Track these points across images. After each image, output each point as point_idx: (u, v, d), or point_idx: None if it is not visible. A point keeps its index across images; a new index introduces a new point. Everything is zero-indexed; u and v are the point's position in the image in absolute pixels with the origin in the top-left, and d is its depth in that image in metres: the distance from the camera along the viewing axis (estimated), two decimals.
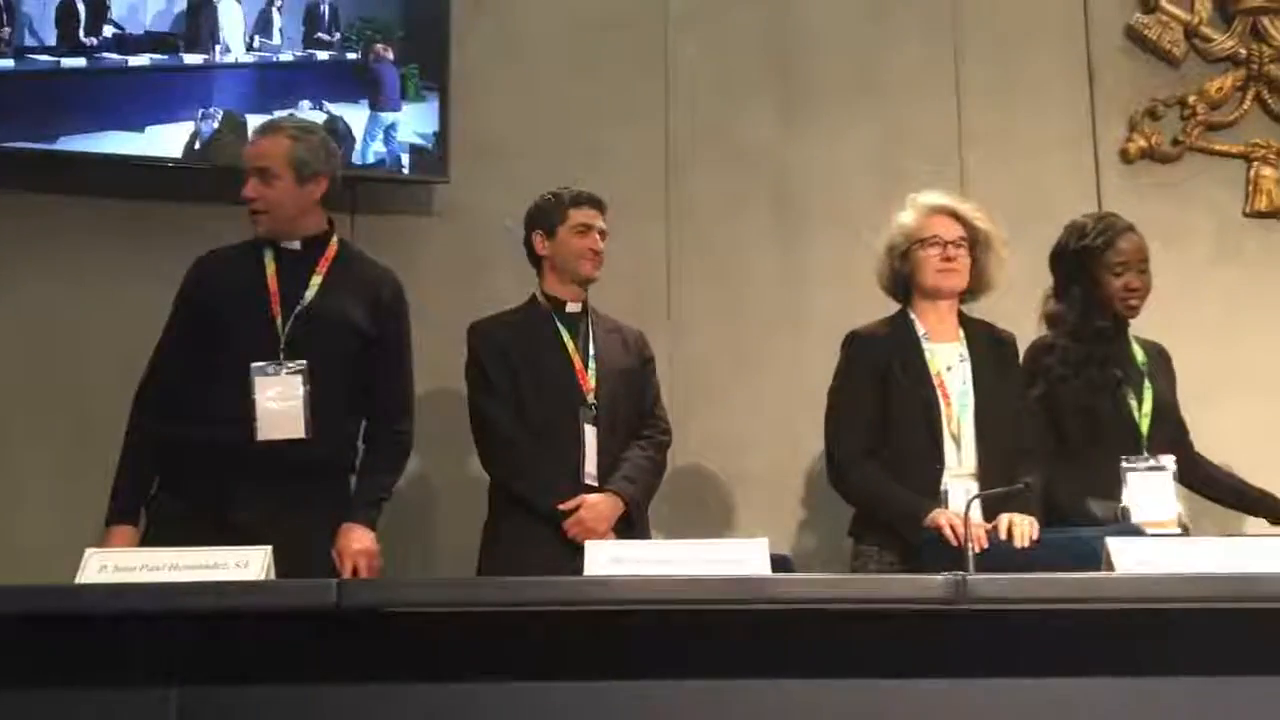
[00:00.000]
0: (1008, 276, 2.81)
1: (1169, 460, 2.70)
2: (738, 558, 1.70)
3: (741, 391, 3.72)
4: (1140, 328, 3.79)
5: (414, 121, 3.59)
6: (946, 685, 1.70)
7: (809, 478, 3.61)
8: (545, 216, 2.91)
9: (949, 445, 2.55)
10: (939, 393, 2.58)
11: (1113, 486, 2.66)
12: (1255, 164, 3.84)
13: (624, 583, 1.61)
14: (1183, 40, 3.91)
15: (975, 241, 2.69)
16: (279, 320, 2.49)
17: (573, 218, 2.88)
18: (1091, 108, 3.93)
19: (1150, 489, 2.68)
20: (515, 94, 3.82)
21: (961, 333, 2.70)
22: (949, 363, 2.64)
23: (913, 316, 2.70)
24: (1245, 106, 3.89)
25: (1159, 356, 2.91)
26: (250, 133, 2.94)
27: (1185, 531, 2.69)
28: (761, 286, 3.83)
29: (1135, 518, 2.62)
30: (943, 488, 2.50)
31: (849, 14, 3.98)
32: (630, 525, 2.75)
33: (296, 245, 2.59)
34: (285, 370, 2.46)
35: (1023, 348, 2.88)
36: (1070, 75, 3.95)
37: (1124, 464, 2.67)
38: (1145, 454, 2.69)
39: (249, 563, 1.66)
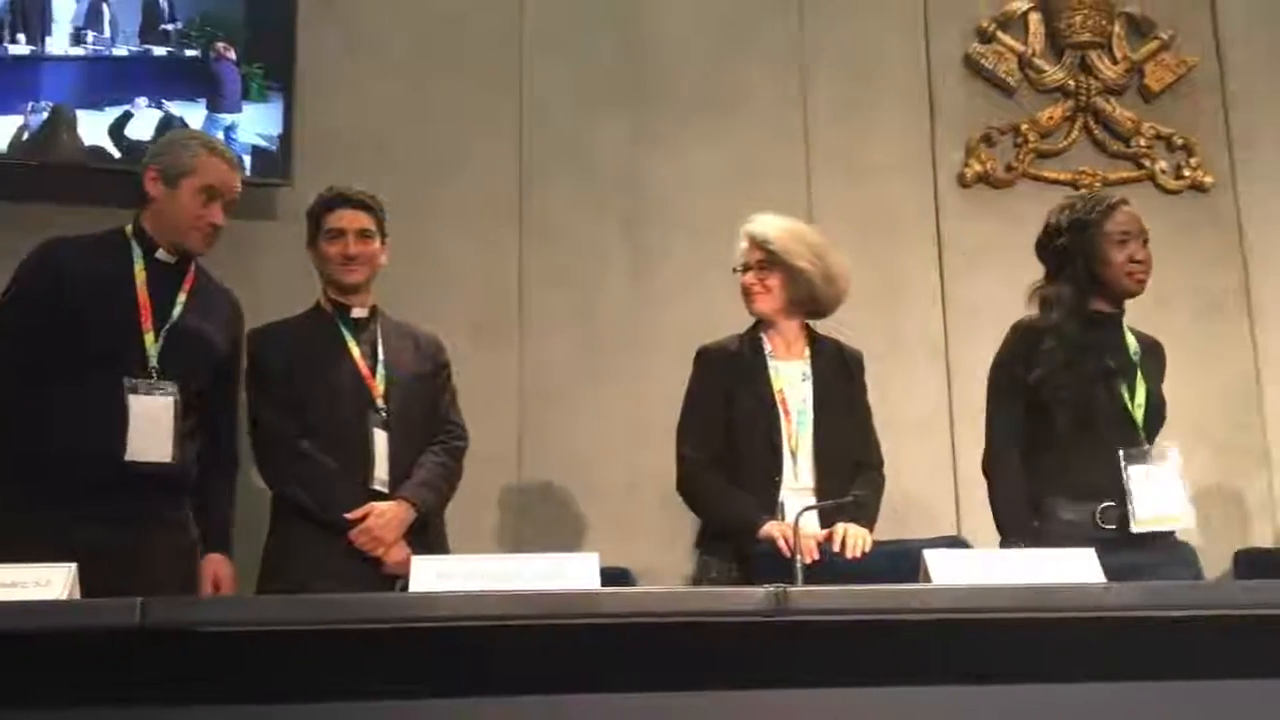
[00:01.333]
0: (846, 289, 2.86)
1: (1174, 450, 2.58)
2: (567, 572, 1.69)
3: (592, 402, 3.73)
4: (975, 345, 3.97)
5: (256, 123, 3.50)
6: (771, 696, 1.73)
7: (659, 489, 3.63)
8: (311, 222, 2.81)
9: (787, 460, 2.60)
10: (780, 409, 2.63)
11: (1101, 481, 2.55)
12: (1082, 191, 4.01)
13: (448, 599, 1.58)
14: (1017, 71, 4.09)
15: (783, 263, 2.73)
16: (149, 335, 2.41)
17: (326, 223, 2.76)
18: (932, 133, 4.07)
19: (1154, 481, 2.54)
20: (365, 98, 3.76)
21: (808, 351, 2.75)
22: (792, 380, 2.69)
23: (761, 335, 2.76)
24: (1073, 136, 4.08)
25: (1152, 349, 2.77)
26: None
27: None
28: (613, 299, 3.86)
29: (1139, 514, 2.49)
30: (780, 500, 2.54)
31: (702, 38, 4.05)
32: (424, 534, 2.69)
33: (172, 258, 2.51)
34: (158, 391, 2.39)
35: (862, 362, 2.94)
36: (912, 101, 4.09)
37: (1122, 456, 2.54)
38: (1145, 444, 2.57)
39: (51, 581, 1.57)
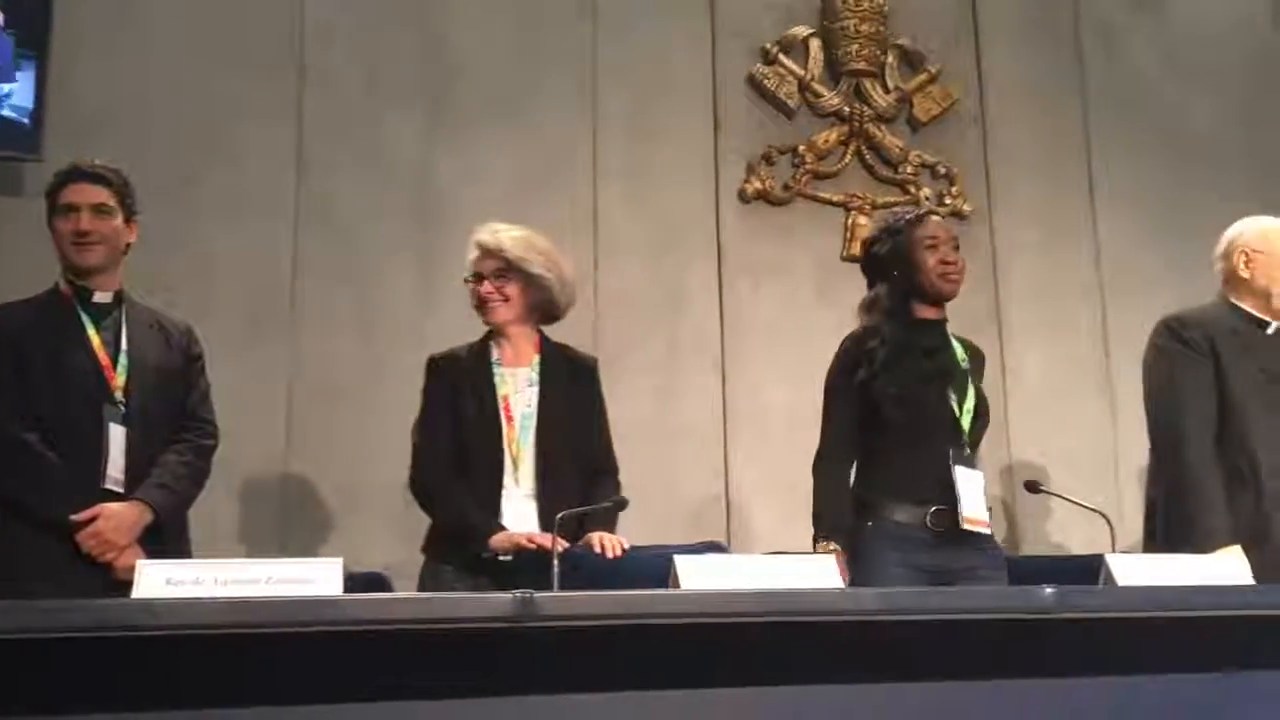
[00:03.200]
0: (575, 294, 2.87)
1: (981, 460, 2.70)
2: (307, 577, 1.63)
3: (366, 401, 3.64)
4: (750, 356, 4.09)
5: (18, 94, 3.25)
6: (518, 703, 1.72)
7: None
8: (47, 199, 2.63)
9: (508, 466, 2.61)
10: (502, 415, 2.63)
11: (931, 483, 2.60)
12: (853, 213, 4.20)
13: (172, 606, 1.50)
14: (797, 94, 4.24)
15: (521, 270, 2.73)
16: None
17: (60, 198, 2.59)
18: (716, 148, 4.17)
19: (973, 487, 2.63)
20: (133, 74, 3.58)
21: (537, 357, 2.75)
22: (518, 386, 2.70)
23: (490, 342, 2.76)
24: (847, 160, 4.26)
25: (976, 358, 2.85)
26: None
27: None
28: (394, 297, 3.78)
29: (966, 513, 2.57)
30: (504, 506, 2.56)
31: (496, 37, 4.03)
32: (161, 537, 2.53)
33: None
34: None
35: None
36: (698, 116, 4.18)
37: (951, 458, 2.60)
38: (968, 451, 2.64)
39: None
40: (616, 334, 4.02)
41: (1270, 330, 2.92)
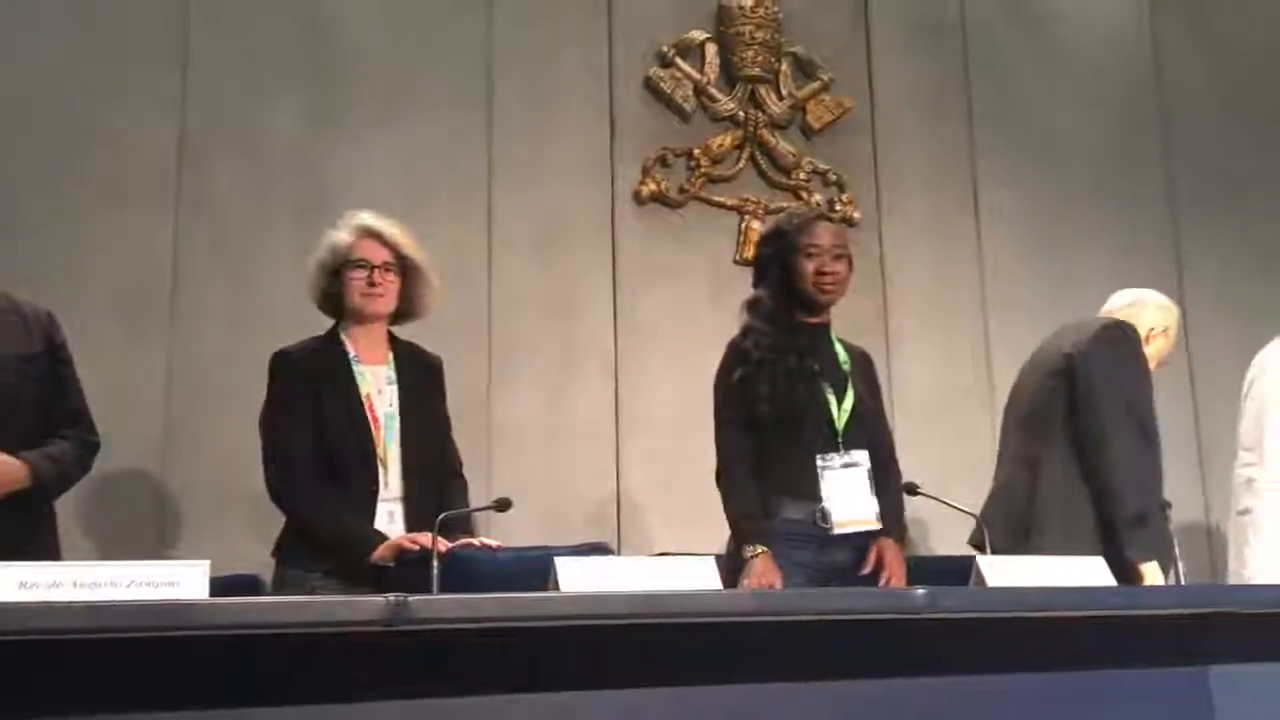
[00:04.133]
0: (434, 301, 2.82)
1: (863, 456, 2.67)
2: (172, 580, 1.58)
3: (247, 399, 3.52)
4: (643, 358, 4.10)
5: None
6: (391, 708, 1.69)
7: None
8: None
9: (379, 468, 2.54)
10: (369, 415, 2.56)
11: (809, 484, 2.63)
12: (746, 217, 4.24)
13: (26, 611, 1.44)
14: (693, 97, 4.27)
15: (406, 267, 2.69)
16: None
17: None
18: (611, 148, 4.17)
19: (847, 487, 2.64)
20: (7, 55, 3.43)
21: (391, 355, 2.69)
22: (379, 385, 2.63)
23: (343, 337, 2.66)
24: (741, 165, 4.30)
25: (862, 361, 2.87)
26: None
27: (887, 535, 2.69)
28: (279, 292, 3.67)
29: (835, 516, 2.60)
30: (377, 509, 2.50)
31: (387, 26, 3.96)
32: (31, 531, 2.43)
33: None
34: None
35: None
36: (594, 115, 4.17)
37: (819, 461, 2.62)
38: (839, 451, 2.65)
39: None
40: (509, 333, 3.99)
41: None
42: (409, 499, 2.53)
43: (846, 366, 2.77)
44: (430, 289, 2.72)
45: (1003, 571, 2.03)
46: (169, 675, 1.58)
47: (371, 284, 2.62)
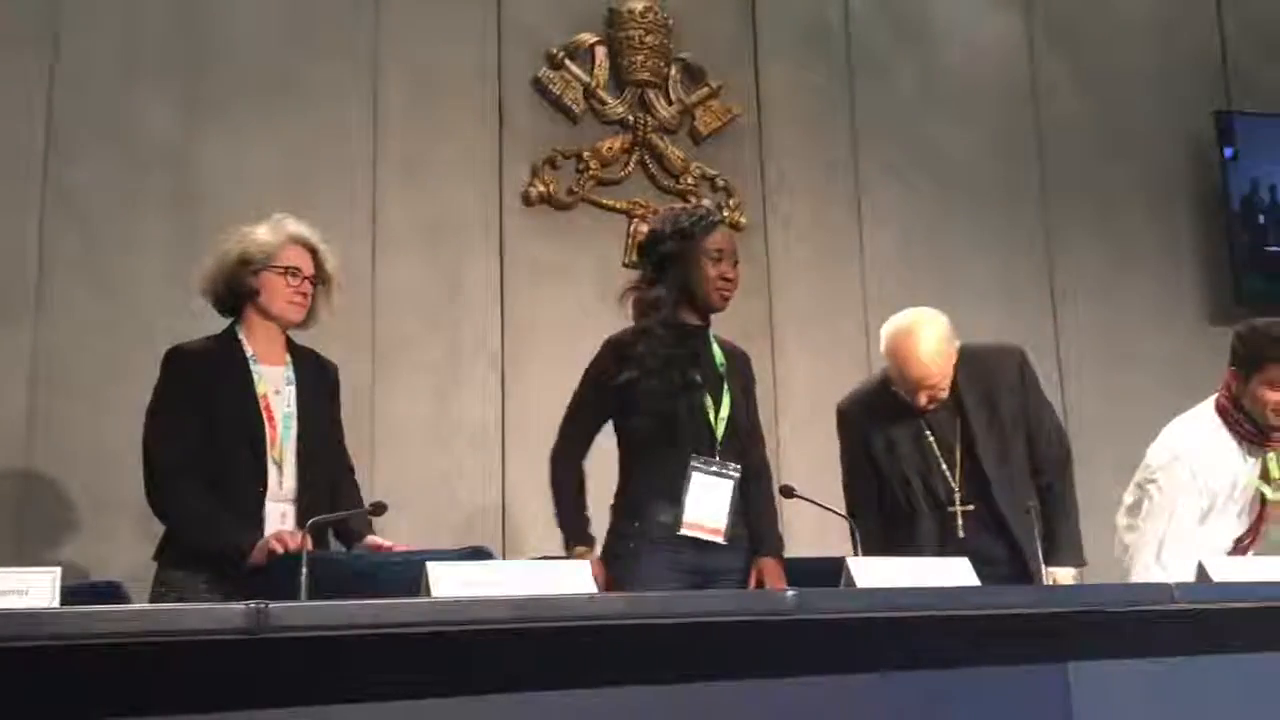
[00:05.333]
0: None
1: (735, 470, 2.67)
2: (19, 588, 1.52)
3: (115, 398, 3.41)
4: (529, 359, 4.08)
5: None
6: (260, 718, 1.65)
7: None
8: None
9: (271, 469, 2.51)
10: (264, 415, 2.53)
11: (682, 488, 2.63)
12: (635, 220, 4.25)
13: None
14: (582, 99, 4.26)
15: (321, 280, 2.67)
16: None
17: None
18: (500, 149, 4.15)
19: (709, 494, 2.64)
20: None
21: (289, 357, 2.66)
22: (276, 386, 2.59)
23: (241, 336, 2.62)
24: (630, 168, 4.31)
25: (738, 359, 2.84)
26: None
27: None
28: (150, 289, 3.58)
29: (685, 517, 2.60)
30: (266, 511, 2.46)
31: (267, 17, 3.87)
32: None
33: None
34: None
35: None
36: (483, 115, 4.14)
37: (692, 463, 2.62)
38: (716, 458, 2.65)
39: None
40: (393, 332, 3.94)
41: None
42: (301, 499, 2.50)
43: (723, 369, 2.76)
44: (329, 305, 2.70)
45: (872, 572, 2.07)
46: (14, 688, 1.52)
47: (301, 294, 2.59)
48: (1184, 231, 4.99)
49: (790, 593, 1.91)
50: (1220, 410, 3.04)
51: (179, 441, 2.46)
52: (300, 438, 2.55)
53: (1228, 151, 4.92)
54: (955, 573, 2.16)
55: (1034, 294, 4.76)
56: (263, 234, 2.63)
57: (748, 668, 1.94)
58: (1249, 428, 2.99)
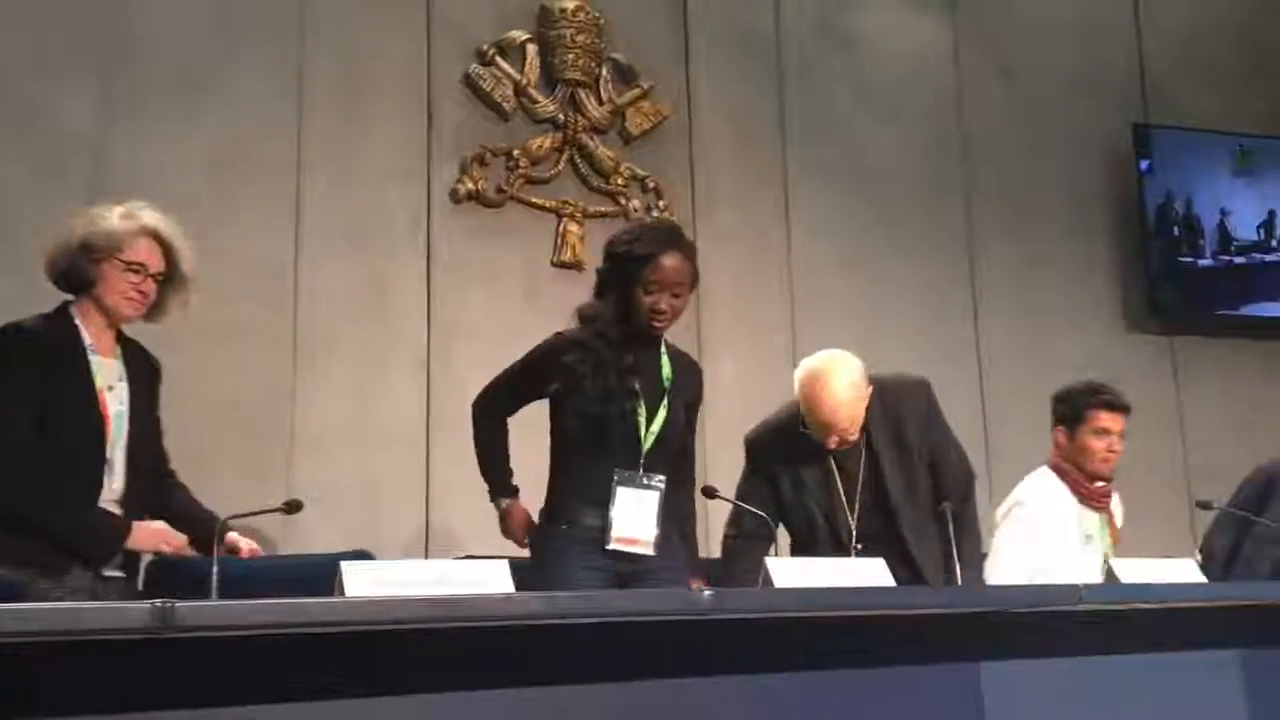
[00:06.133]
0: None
1: (661, 481, 2.65)
2: None
3: None
4: (456, 357, 4.05)
5: None
6: (167, 717, 1.62)
7: None
8: None
9: (106, 467, 2.39)
10: (103, 411, 2.40)
11: (606, 492, 2.62)
12: (564, 220, 4.25)
13: None
14: (513, 97, 4.24)
15: (173, 276, 2.51)
16: None
17: None
18: (428, 145, 4.11)
19: (635, 507, 2.63)
20: None
21: (119, 349, 2.51)
22: (110, 380, 2.46)
23: (76, 321, 2.44)
24: (560, 167, 4.30)
25: (689, 374, 2.82)
26: None
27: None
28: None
29: (614, 531, 2.59)
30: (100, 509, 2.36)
31: (192, 13, 3.81)
32: None
33: None
34: None
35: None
36: (411, 111, 4.11)
37: (616, 476, 2.61)
38: (640, 470, 2.64)
39: None
40: (316, 328, 3.89)
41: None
42: (130, 501, 2.39)
43: (669, 382, 2.74)
44: (185, 305, 2.54)
45: (789, 573, 2.09)
46: None
47: (140, 291, 2.44)
48: (1101, 239, 5.11)
49: (707, 592, 1.92)
50: (1056, 470, 3.30)
51: (20, 435, 2.30)
52: (131, 437, 2.42)
53: (1144, 164, 5.05)
54: (870, 574, 2.18)
55: (957, 296, 4.84)
56: (113, 221, 2.44)
57: (665, 667, 1.95)
58: (1082, 482, 3.26)
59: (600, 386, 2.63)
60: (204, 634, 1.56)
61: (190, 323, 2.69)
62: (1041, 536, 3.17)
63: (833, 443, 2.86)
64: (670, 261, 2.66)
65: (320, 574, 1.83)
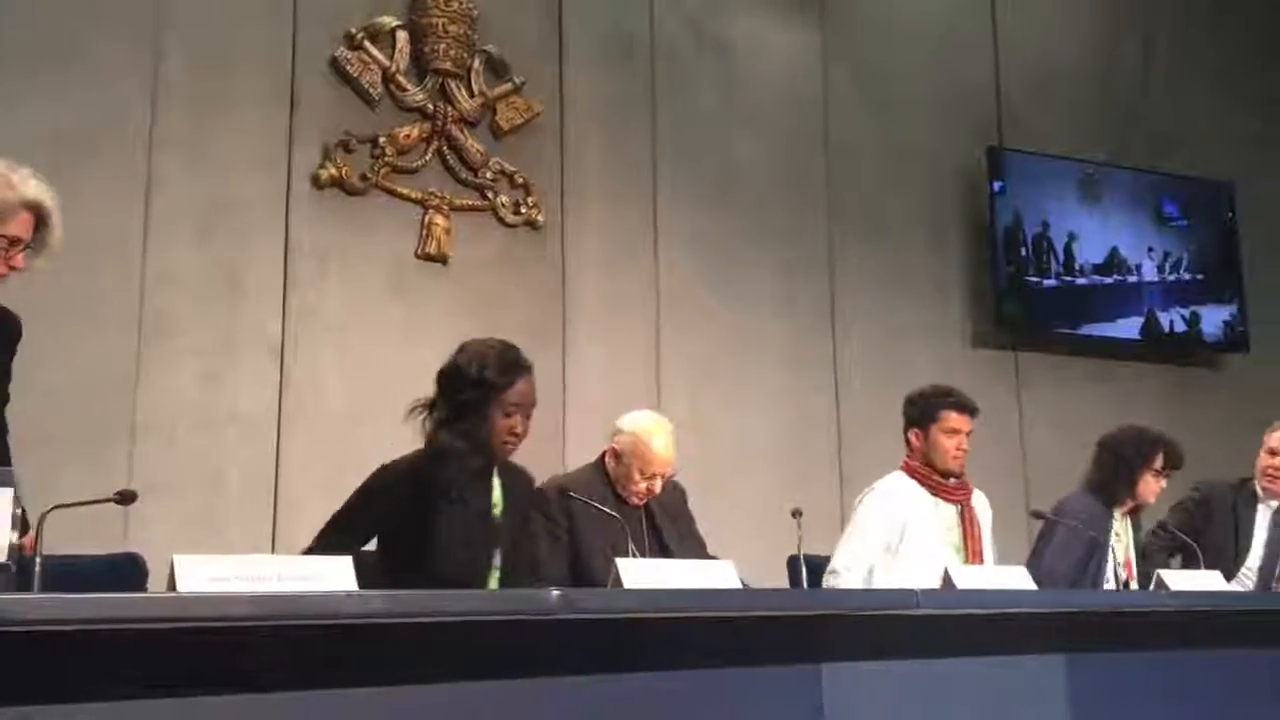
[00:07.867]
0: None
1: None
2: None
3: None
4: (313, 347, 3.95)
5: None
6: None
7: None
8: None
9: None
10: None
11: None
12: (430, 211, 4.18)
13: None
14: (381, 84, 4.16)
15: (38, 246, 2.30)
16: None
17: None
18: (290, 130, 4.00)
19: None
20: None
21: None
22: None
23: None
24: (428, 158, 4.22)
25: (514, 493, 2.77)
26: None
27: None
28: None
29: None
30: None
31: None
32: None
33: None
34: None
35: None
36: (273, 94, 3.99)
37: None
38: None
39: None
40: (164, 313, 3.75)
41: None
42: None
43: (498, 509, 2.70)
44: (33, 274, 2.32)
45: (639, 574, 2.10)
46: None
47: (10, 265, 2.23)
48: (955, 256, 5.28)
49: (555, 592, 1.91)
50: (909, 471, 3.44)
51: None
52: None
53: (997, 185, 5.25)
54: (718, 575, 2.21)
55: (816, 307, 4.94)
56: None
57: (512, 667, 1.94)
58: (936, 479, 3.40)
59: (461, 538, 2.56)
60: (27, 628, 1.48)
61: (28, 299, 2.55)
62: (895, 513, 3.34)
63: (643, 489, 3.13)
64: (527, 380, 2.66)
65: None
